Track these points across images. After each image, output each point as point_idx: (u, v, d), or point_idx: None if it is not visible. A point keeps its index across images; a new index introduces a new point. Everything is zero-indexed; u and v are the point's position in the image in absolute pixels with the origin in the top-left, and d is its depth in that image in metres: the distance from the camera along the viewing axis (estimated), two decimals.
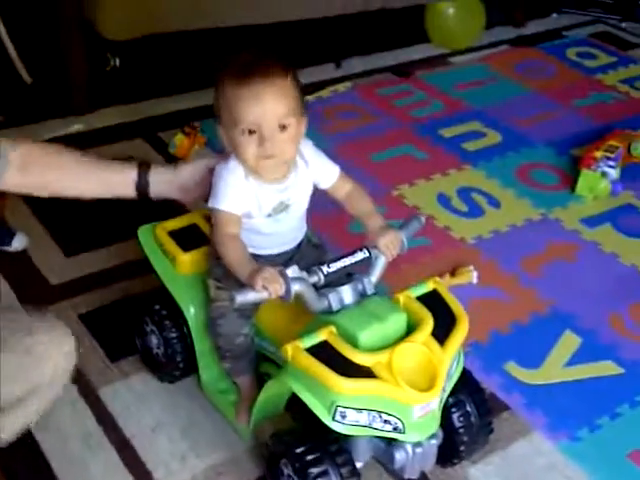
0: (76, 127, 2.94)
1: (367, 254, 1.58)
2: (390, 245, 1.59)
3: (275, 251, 1.65)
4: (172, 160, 2.74)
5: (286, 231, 1.65)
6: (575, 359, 2.06)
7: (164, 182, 1.60)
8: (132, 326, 1.94)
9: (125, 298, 2.13)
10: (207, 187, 1.59)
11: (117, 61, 3.29)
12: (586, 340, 2.12)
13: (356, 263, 1.57)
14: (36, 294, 2.15)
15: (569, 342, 2.11)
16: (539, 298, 2.26)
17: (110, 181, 1.58)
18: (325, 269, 1.52)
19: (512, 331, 2.15)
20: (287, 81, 1.51)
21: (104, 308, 2.11)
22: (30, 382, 1.42)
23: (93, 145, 2.80)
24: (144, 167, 1.59)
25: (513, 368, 2.03)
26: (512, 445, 1.83)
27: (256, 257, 1.58)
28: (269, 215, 1.59)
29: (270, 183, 1.57)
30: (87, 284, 2.19)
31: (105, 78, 3.21)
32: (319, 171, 1.64)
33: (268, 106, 1.48)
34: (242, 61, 1.52)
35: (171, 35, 3.06)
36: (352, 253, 1.57)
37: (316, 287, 1.53)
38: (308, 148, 1.62)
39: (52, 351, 1.43)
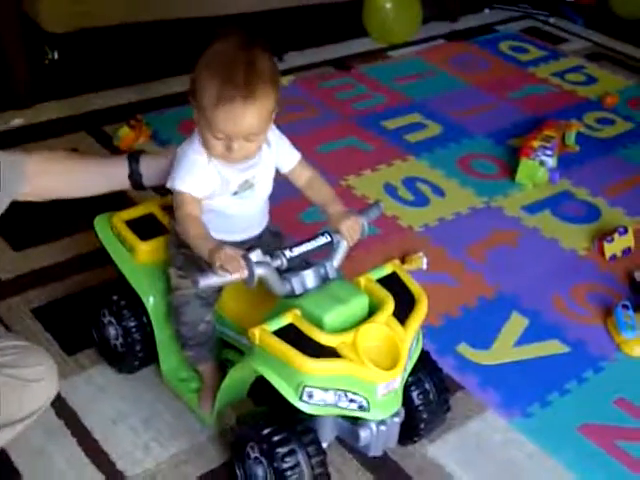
0: (17, 121, 2.89)
1: (329, 239, 1.61)
2: (351, 230, 1.62)
3: (238, 237, 1.66)
4: (116, 152, 2.73)
5: (251, 214, 1.67)
6: (523, 339, 2.14)
7: (154, 170, 1.65)
8: (87, 318, 1.92)
9: (80, 291, 2.10)
10: None
11: (55, 54, 3.24)
12: (532, 321, 2.20)
13: (318, 247, 1.59)
14: None
15: (516, 323, 2.19)
16: (486, 282, 2.33)
17: (107, 178, 1.65)
18: (288, 253, 1.55)
19: (462, 314, 2.21)
20: (269, 96, 1.50)
21: (57, 302, 2.08)
22: (24, 411, 1.50)
23: (36, 139, 2.77)
24: (134, 159, 1.64)
25: (465, 350, 2.09)
26: (468, 423, 1.89)
27: None
28: (235, 193, 1.60)
29: (234, 163, 1.58)
30: (39, 278, 2.16)
31: (44, 72, 3.16)
32: (281, 154, 1.67)
33: (244, 125, 1.49)
34: (230, 67, 1.46)
35: (111, 27, 3.03)
36: (314, 238, 1.60)
37: (279, 272, 1.56)
38: (272, 131, 1.64)
39: (44, 382, 1.52)
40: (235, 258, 1.45)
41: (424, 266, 2.34)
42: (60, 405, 1.80)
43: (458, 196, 2.71)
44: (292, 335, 1.48)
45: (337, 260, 1.64)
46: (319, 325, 1.50)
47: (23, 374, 1.49)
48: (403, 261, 2.34)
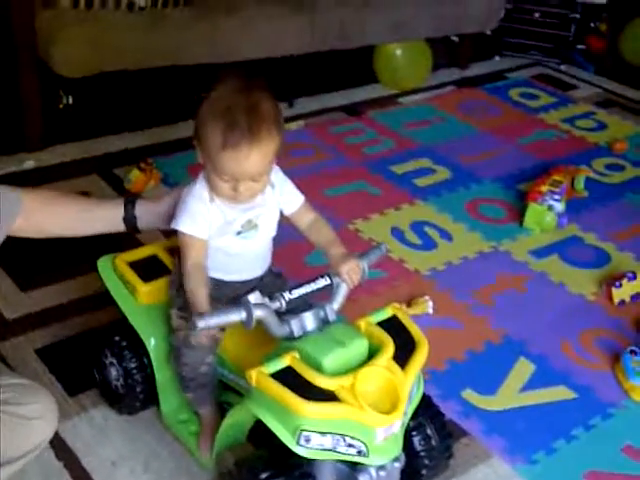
0: (29, 163, 2.93)
1: (329, 281, 1.61)
2: (351, 272, 1.62)
3: (240, 277, 1.67)
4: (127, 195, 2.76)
5: (254, 254, 1.68)
6: (530, 385, 2.11)
7: (149, 214, 1.67)
8: (90, 360, 1.92)
9: (82, 332, 2.11)
10: None
11: (70, 99, 3.29)
12: (539, 366, 2.17)
13: (318, 290, 1.59)
14: None
15: (523, 368, 2.16)
16: (492, 327, 2.31)
17: (102, 219, 1.67)
18: (287, 295, 1.55)
19: (468, 359, 2.19)
20: (273, 138, 1.52)
21: (61, 342, 2.09)
22: (22, 449, 1.50)
23: (48, 181, 2.80)
24: (130, 202, 1.66)
25: (470, 395, 2.07)
26: (472, 470, 1.86)
27: (221, 284, 1.59)
28: (238, 233, 1.61)
29: (237, 204, 1.59)
30: (44, 319, 2.17)
31: (58, 115, 3.21)
32: (284, 196, 1.68)
33: (248, 168, 1.51)
34: (232, 112, 1.47)
35: (125, 72, 3.08)
36: (314, 280, 1.60)
37: (278, 314, 1.55)
38: (276, 173, 1.65)
39: (42, 421, 1.52)
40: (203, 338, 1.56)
41: (430, 310, 2.33)
42: (60, 446, 1.80)
43: (466, 240, 2.71)
44: (290, 378, 1.47)
45: (337, 303, 1.63)
46: (318, 368, 1.49)
47: (21, 412, 1.49)
48: (409, 305, 2.33)
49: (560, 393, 2.09)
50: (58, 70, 2.83)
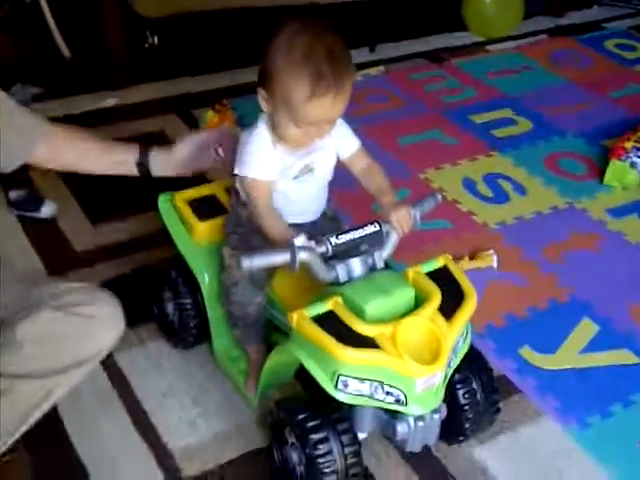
0: (111, 101, 3.00)
1: (377, 227, 1.58)
2: (402, 220, 1.60)
3: (295, 220, 1.66)
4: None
5: (309, 198, 1.68)
6: (591, 346, 2.05)
7: (162, 161, 1.70)
8: (149, 294, 1.97)
9: (146, 267, 2.16)
10: (201, 160, 1.73)
11: (155, 39, 3.34)
12: (604, 328, 2.10)
13: (366, 236, 1.57)
14: (60, 260, 2.21)
15: (586, 329, 2.10)
16: (559, 285, 2.25)
17: (117, 162, 1.71)
18: (333, 240, 1.53)
19: (529, 316, 2.14)
20: (352, 81, 1.51)
21: (125, 276, 2.14)
22: (93, 347, 1.54)
23: (127, 119, 2.86)
24: (144, 149, 1.70)
25: (527, 352, 2.02)
26: (521, 428, 1.83)
27: None
28: (295, 177, 1.62)
29: (296, 149, 1.59)
30: (111, 252, 2.24)
31: (143, 55, 3.26)
32: (340, 140, 1.66)
33: (332, 114, 1.52)
34: (314, 60, 1.45)
35: (210, 14, 3.09)
36: (362, 226, 1.57)
37: (326, 258, 1.55)
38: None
39: (111, 324, 1.56)
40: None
41: (494, 264, 2.28)
42: (115, 374, 1.87)
43: (540, 195, 2.62)
44: (331, 322, 1.47)
45: (386, 250, 1.61)
46: (360, 314, 1.48)
47: (90, 311, 1.53)
48: (473, 257, 2.29)
49: (623, 357, 2.02)
50: (138, 9, 2.87)
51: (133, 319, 2.00)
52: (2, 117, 1.51)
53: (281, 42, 1.50)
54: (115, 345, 1.59)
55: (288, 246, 1.48)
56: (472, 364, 1.68)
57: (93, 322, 1.53)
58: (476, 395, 1.68)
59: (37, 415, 1.54)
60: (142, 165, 1.69)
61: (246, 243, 1.67)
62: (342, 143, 1.68)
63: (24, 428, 1.54)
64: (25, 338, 1.48)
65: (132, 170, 1.70)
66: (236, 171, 1.60)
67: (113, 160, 1.69)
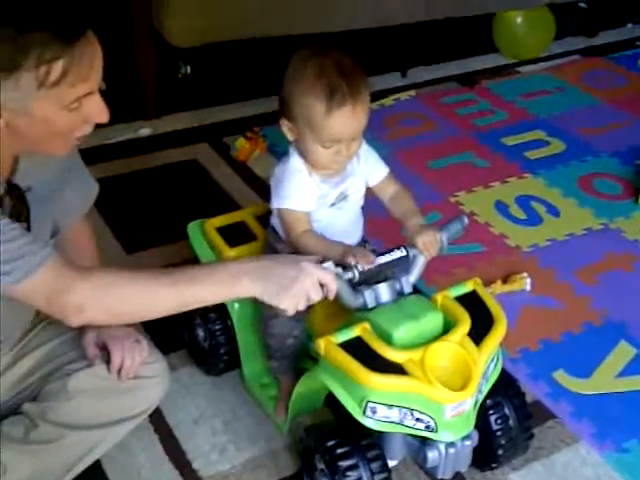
0: (145, 131, 3.05)
1: (404, 252, 1.58)
2: (428, 244, 1.59)
3: None
4: (233, 164, 2.83)
5: (345, 224, 1.68)
6: (628, 370, 2.01)
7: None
8: (180, 321, 1.98)
9: None
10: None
11: (188, 69, 3.39)
12: None
13: (393, 261, 1.57)
14: None
15: (623, 352, 2.06)
16: (593, 308, 2.21)
17: None
18: (360, 266, 1.53)
19: (563, 340, 2.11)
20: (368, 91, 1.54)
21: None
22: (141, 406, 1.55)
23: (161, 149, 2.90)
24: None
25: (562, 377, 1.99)
26: (556, 454, 1.80)
27: None
28: (332, 204, 1.63)
29: (331, 177, 1.61)
30: None
31: (177, 85, 3.31)
32: (369, 167, 1.67)
33: (354, 126, 1.53)
34: (325, 75, 1.49)
35: (242, 42, 3.13)
36: (389, 251, 1.57)
37: (354, 284, 1.55)
38: (362, 144, 1.64)
39: (159, 383, 1.57)
40: (366, 253, 1.51)
41: (527, 287, 2.25)
42: None
43: (574, 216, 2.59)
44: (358, 349, 1.46)
45: (413, 275, 1.61)
46: (388, 340, 1.48)
47: (142, 371, 1.53)
48: (505, 281, 2.27)
49: None
50: (169, 39, 2.92)
51: (164, 347, 2.02)
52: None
53: (294, 68, 1.55)
54: (158, 401, 1.60)
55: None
56: (504, 389, 1.66)
57: (144, 382, 1.54)
58: (508, 421, 1.66)
59: (81, 467, 1.53)
60: None
61: None
62: (371, 169, 1.68)
63: (67, 479, 1.54)
64: (77, 390, 1.48)
65: None
66: (275, 206, 1.62)
67: None
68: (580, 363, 2.03)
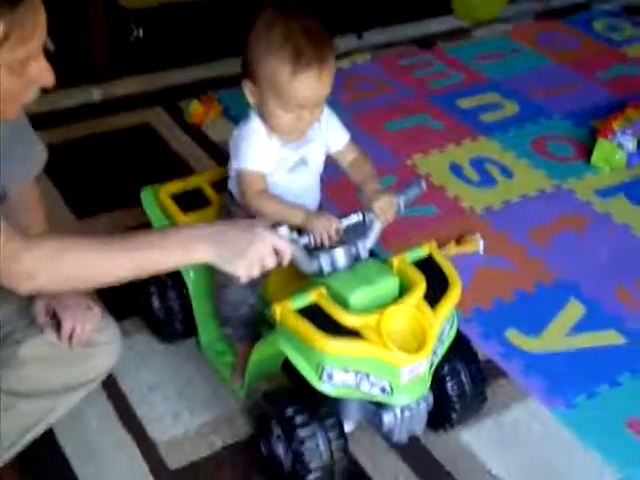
0: (96, 95, 2.98)
1: (360, 217, 1.58)
2: (385, 208, 1.59)
3: None
4: (187, 128, 2.79)
5: (306, 190, 1.67)
6: (578, 328, 2.06)
7: None
8: (135, 287, 1.97)
9: None
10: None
11: (140, 32, 3.32)
12: (590, 309, 2.11)
13: (349, 226, 1.57)
14: None
15: (573, 310, 2.10)
16: (546, 268, 2.25)
17: None
18: (326, 240, 1.52)
19: (515, 299, 2.14)
20: (333, 55, 1.52)
21: None
22: (94, 371, 1.55)
23: (112, 112, 2.85)
24: None
25: (513, 335, 2.03)
26: (507, 411, 1.84)
27: None
28: (290, 169, 1.62)
29: (291, 141, 1.59)
30: None
31: (128, 48, 3.24)
32: (331, 133, 1.66)
33: (319, 91, 1.51)
34: (292, 38, 1.47)
35: (193, 4, 3.07)
36: (345, 216, 1.58)
37: (310, 250, 1.55)
38: (324, 110, 1.62)
39: (112, 349, 1.55)
40: (330, 218, 1.52)
41: (480, 249, 2.28)
42: None
43: (527, 178, 2.62)
44: (315, 314, 1.47)
45: (370, 239, 1.61)
46: (345, 305, 1.48)
47: (94, 338, 1.52)
48: (459, 242, 2.29)
49: (609, 338, 2.03)
50: (121, 1, 2.84)
51: (118, 313, 2.01)
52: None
53: (259, 29, 1.52)
54: (113, 364, 1.59)
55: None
56: (461, 355, 1.68)
57: (96, 349, 1.53)
58: (464, 387, 1.68)
59: (35, 433, 1.53)
60: None
61: None
62: (332, 136, 1.67)
63: (20, 445, 1.53)
64: (28, 358, 1.46)
65: None
66: (234, 166, 1.61)
67: None
68: (531, 321, 2.07)
